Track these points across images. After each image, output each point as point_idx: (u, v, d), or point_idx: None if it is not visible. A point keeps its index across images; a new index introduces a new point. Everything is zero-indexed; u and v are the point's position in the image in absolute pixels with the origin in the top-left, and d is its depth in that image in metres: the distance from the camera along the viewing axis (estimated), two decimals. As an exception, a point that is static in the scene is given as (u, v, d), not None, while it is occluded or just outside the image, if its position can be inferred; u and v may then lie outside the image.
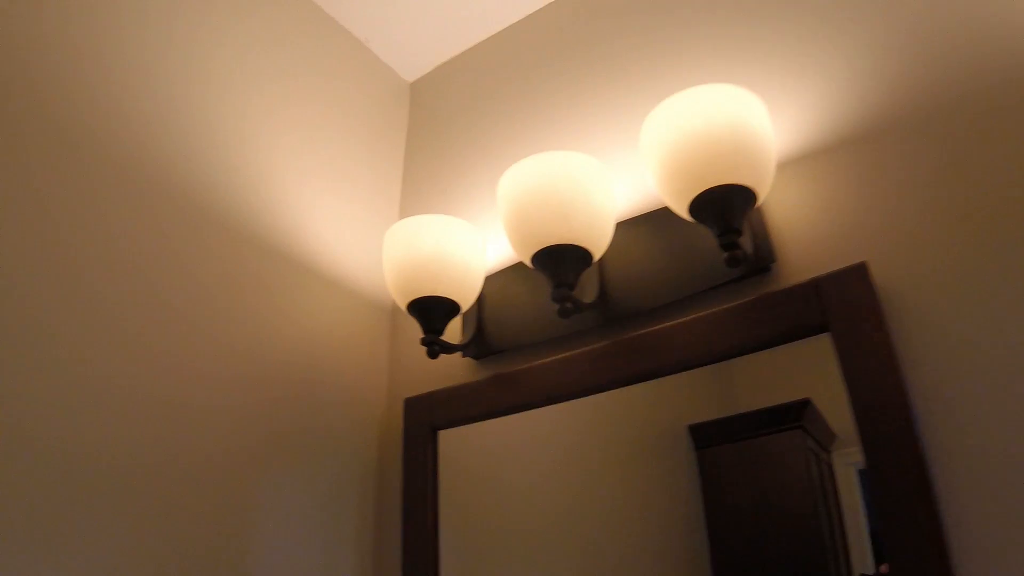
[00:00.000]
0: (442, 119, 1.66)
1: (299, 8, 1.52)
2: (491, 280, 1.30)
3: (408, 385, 1.37)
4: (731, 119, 0.91)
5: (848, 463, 0.86)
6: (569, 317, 1.06)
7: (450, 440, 1.23)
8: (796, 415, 0.92)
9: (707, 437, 0.97)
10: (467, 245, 1.15)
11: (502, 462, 1.16)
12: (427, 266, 1.09)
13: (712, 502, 0.94)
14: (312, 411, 1.22)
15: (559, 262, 1.02)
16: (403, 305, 1.14)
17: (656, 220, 1.15)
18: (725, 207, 0.90)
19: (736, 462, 0.94)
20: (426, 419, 1.25)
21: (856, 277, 0.90)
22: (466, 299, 1.15)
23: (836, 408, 0.88)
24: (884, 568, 0.81)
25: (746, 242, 1.00)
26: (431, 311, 1.11)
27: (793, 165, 1.06)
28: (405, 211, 1.61)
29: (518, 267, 1.28)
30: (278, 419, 1.15)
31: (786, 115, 1.10)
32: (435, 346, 1.11)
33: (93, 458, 0.90)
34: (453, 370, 1.31)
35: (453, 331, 1.33)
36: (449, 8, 1.62)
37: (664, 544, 0.96)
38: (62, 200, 0.96)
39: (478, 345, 1.26)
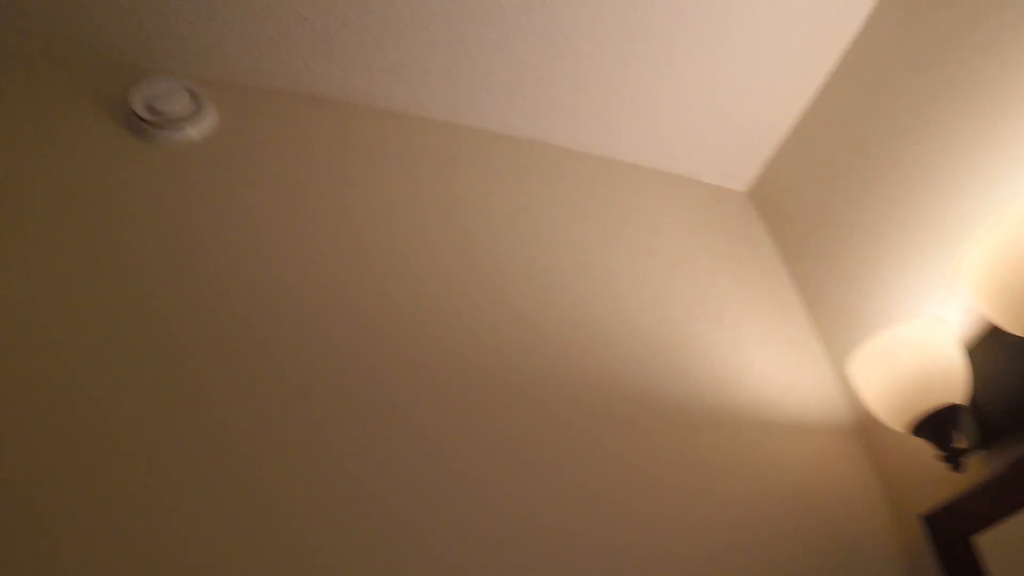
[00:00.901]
0: (800, 211, 1.58)
1: (634, 177, 1.62)
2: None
3: (906, 501, 1.26)
4: None
5: None
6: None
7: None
8: None
9: None
10: (945, 342, 1.06)
11: None
12: (920, 380, 1.02)
13: None
14: (821, 561, 1.18)
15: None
16: (902, 426, 1.06)
17: None
18: None
19: None
20: (955, 530, 1.13)
21: None
22: (965, 396, 1.05)
23: None
24: None
25: None
26: (944, 424, 1.02)
27: None
28: (822, 323, 1.51)
29: (992, 337, 1.13)
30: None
31: None
32: (958, 458, 1.02)
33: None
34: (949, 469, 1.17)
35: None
36: (743, 102, 1.53)
37: None
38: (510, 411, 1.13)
39: (982, 435, 1.13)
